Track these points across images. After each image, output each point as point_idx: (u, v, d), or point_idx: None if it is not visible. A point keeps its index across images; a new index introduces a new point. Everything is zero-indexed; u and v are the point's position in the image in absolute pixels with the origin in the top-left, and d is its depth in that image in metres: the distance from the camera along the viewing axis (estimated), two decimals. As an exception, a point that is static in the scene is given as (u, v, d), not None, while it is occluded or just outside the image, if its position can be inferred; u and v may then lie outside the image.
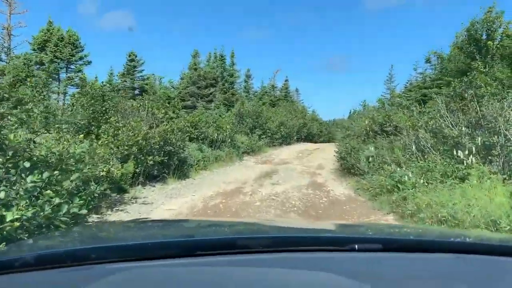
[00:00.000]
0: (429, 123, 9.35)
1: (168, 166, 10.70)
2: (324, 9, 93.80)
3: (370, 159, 10.16)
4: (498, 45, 11.50)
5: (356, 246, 1.22)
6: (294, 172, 13.23)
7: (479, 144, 7.73)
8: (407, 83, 29.77)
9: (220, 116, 18.67)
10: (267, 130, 22.92)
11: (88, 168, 5.76)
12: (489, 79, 9.40)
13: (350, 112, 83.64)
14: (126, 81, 30.98)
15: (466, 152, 7.78)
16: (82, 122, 10.34)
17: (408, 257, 1.25)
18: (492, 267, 1.22)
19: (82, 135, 7.30)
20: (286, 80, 39.89)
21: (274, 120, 24.20)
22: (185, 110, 26.89)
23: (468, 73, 12.38)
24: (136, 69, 30.56)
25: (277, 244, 1.29)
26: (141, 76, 30.86)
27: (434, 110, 9.38)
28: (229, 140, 16.55)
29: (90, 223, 5.38)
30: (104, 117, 10.63)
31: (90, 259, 1.11)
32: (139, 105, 11.82)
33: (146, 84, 29.78)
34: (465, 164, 7.75)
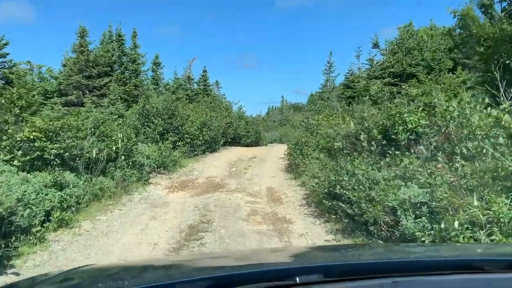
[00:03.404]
0: None
1: None
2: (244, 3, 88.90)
3: (423, 209, 4.66)
4: None
5: (298, 279, 1.13)
6: (239, 218, 7.29)
7: None
8: (347, 72, 25.44)
9: (109, 118, 11.87)
10: (185, 135, 16.63)
11: None
12: None
13: (268, 109, 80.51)
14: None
15: None
16: None
17: (347, 287, 1.17)
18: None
19: None
20: (205, 71, 33.56)
21: (194, 121, 17.98)
22: (67, 108, 19.46)
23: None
24: (-4, 52, 21.94)
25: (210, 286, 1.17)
26: (4, 62, 22.31)
27: None
28: (124, 157, 10.06)
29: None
30: None
31: None
32: None
33: (12, 73, 21.40)
34: None
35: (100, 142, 9.60)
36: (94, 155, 8.62)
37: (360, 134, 7.65)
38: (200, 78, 33.38)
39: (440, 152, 5.50)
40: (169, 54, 76.94)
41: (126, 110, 18.03)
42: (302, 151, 11.26)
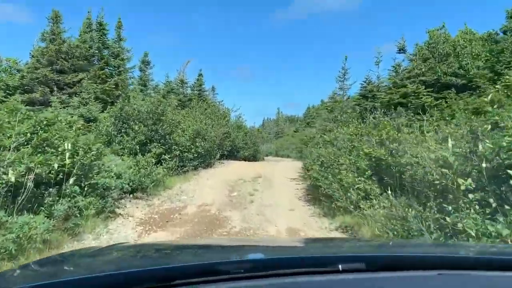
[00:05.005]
0: None
1: None
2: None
3: None
4: None
5: (340, 267, 1.13)
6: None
7: None
8: (364, 81, 22.18)
9: (62, 120, 8.22)
10: (174, 146, 13.15)
11: None
12: None
13: (263, 120, 77.65)
14: None
15: None
16: None
17: (390, 276, 1.15)
18: (473, 284, 1.14)
19: None
20: (200, 75, 30.16)
21: (186, 129, 14.50)
22: (29, 108, 15.82)
23: None
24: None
25: (257, 268, 1.17)
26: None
27: None
28: (75, 179, 6.53)
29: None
30: None
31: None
32: None
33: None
34: None
35: (38, 155, 6.11)
36: (12, 179, 5.10)
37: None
38: (195, 83, 29.97)
39: None
40: (162, 56, 73.43)
41: (102, 112, 14.52)
42: (339, 178, 7.83)
